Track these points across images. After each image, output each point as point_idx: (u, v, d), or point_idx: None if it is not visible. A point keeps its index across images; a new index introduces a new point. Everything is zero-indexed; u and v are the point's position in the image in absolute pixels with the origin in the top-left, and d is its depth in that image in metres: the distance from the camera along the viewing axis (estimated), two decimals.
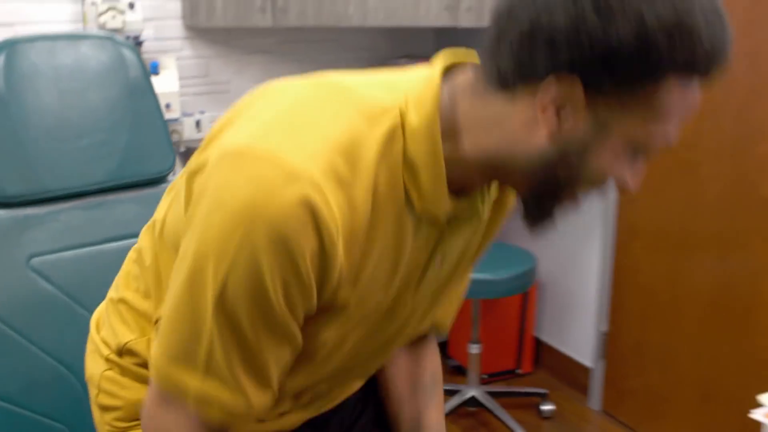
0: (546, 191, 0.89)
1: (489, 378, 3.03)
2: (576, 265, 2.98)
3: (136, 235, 1.16)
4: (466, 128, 0.88)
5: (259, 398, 0.91)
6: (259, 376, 0.89)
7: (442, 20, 2.69)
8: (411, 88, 0.90)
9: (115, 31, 2.60)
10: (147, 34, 2.83)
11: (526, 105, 0.82)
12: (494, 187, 1.02)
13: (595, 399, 2.93)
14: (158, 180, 1.57)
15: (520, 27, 0.80)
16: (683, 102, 0.82)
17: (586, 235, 2.90)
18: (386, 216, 0.89)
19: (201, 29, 2.99)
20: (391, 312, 1.02)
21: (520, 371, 3.11)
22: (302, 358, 0.96)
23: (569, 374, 3.04)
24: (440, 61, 0.92)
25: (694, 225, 2.60)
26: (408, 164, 0.88)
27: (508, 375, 3.09)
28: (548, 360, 3.17)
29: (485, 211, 1.00)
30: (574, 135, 0.82)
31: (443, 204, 0.90)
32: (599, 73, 0.78)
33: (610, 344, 2.90)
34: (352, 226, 0.84)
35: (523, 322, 3.05)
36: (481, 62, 0.87)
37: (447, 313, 1.23)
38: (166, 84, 2.76)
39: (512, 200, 1.09)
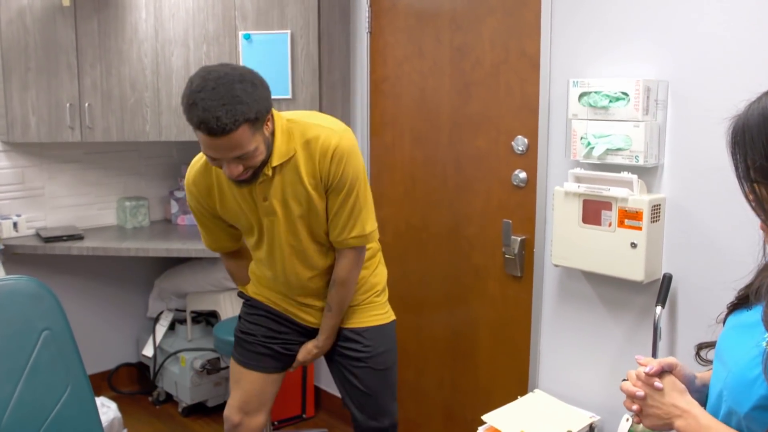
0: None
1: (279, 424, 3.56)
2: None
3: None
4: None
5: (204, 240, 2.34)
6: (204, 232, 2.31)
7: None
8: None
9: None
10: None
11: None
12: (275, 158, 2.04)
13: None
14: None
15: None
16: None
17: None
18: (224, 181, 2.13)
19: (16, 143, 3.42)
20: (265, 229, 2.13)
21: (305, 416, 3.64)
22: (252, 246, 2.25)
23: (344, 414, 3.35)
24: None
25: (429, 289, 3.09)
26: None
27: (296, 420, 3.62)
28: (327, 404, 3.67)
29: (269, 171, 2.03)
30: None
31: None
32: None
33: None
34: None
35: (305, 375, 3.61)
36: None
37: (340, 233, 2.14)
38: None
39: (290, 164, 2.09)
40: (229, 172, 1.95)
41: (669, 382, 1.23)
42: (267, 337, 2.34)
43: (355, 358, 2.31)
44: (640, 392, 1.23)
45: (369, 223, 2.17)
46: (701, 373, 1.33)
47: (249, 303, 2.41)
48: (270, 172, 2.05)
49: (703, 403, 1.25)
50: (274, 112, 2.06)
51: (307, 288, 2.27)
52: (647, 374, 1.23)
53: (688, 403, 1.19)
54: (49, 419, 1.81)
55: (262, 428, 2.38)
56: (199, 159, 2.18)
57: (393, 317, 2.40)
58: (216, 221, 2.26)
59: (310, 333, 2.35)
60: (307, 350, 2.35)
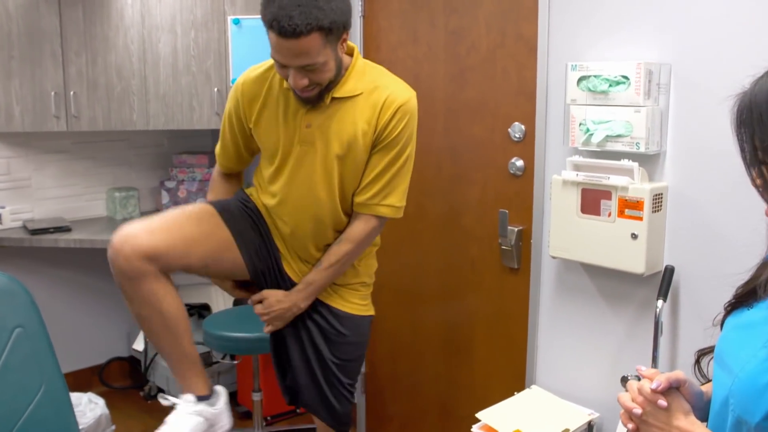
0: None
1: (272, 419, 3.49)
2: None
3: None
4: None
5: (217, 149, 2.22)
6: (221, 140, 2.19)
7: (213, 124, 3.23)
8: None
9: None
10: None
11: None
12: (338, 89, 1.97)
13: (361, 427, 3.42)
14: None
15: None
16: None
17: None
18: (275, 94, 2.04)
19: (0, 133, 3.32)
20: (292, 158, 2.02)
21: (299, 411, 3.56)
22: (269, 177, 2.08)
23: None
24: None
25: (423, 281, 2.99)
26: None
27: (289, 415, 3.55)
28: None
29: (327, 99, 1.95)
30: None
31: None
32: None
33: (369, 382, 3.33)
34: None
35: None
36: None
37: (373, 197, 2.04)
38: None
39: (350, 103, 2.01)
40: (294, 82, 1.88)
41: (674, 401, 1.11)
42: (257, 242, 2.14)
43: (324, 336, 2.17)
44: (638, 409, 1.11)
45: (403, 198, 2.11)
46: (706, 387, 1.21)
47: (249, 206, 2.18)
48: (328, 101, 1.98)
49: (706, 417, 1.16)
50: (357, 53, 2.04)
51: (304, 240, 2.12)
52: (653, 390, 1.11)
53: (691, 423, 1.09)
54: (22, 420, 1.73)
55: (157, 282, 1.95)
56: (260, 66, 2.11)
57: (372, 312, 2.28)
58: (235, 136, 2.16)
59: (286, 287, 2.18)
60: (274, 295, 2.12)
